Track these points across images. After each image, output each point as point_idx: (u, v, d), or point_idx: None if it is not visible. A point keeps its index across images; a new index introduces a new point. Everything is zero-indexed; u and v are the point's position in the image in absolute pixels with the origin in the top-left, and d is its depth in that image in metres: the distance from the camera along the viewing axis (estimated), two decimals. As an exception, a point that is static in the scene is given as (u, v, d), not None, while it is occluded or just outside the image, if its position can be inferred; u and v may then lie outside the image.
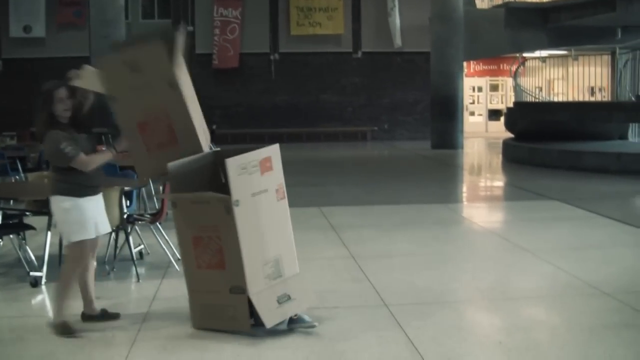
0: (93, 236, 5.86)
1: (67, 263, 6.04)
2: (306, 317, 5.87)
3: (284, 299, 5.74)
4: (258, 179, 5.60)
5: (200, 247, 5.71)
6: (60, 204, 5.73)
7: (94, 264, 6.12)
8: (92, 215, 5.82)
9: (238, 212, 5.40)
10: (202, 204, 5.61)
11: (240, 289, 5.56)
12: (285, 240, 5.90)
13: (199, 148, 5.85)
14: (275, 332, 5.69)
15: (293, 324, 5.81)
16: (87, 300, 6.07)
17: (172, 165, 5.75)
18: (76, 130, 5.81)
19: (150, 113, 5.80)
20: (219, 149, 6.44)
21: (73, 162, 5.61)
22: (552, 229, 10.11)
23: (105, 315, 6.06)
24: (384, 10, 29.39)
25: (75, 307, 6.02)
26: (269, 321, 5.60)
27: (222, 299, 5.72)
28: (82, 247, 5.78)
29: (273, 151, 5.82)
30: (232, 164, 5.41)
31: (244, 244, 5.47)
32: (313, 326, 5.81)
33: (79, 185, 5.74)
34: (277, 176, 5.79)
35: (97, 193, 5.98)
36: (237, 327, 5.69)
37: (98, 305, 6.11)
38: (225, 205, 5.41)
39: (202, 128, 5.99)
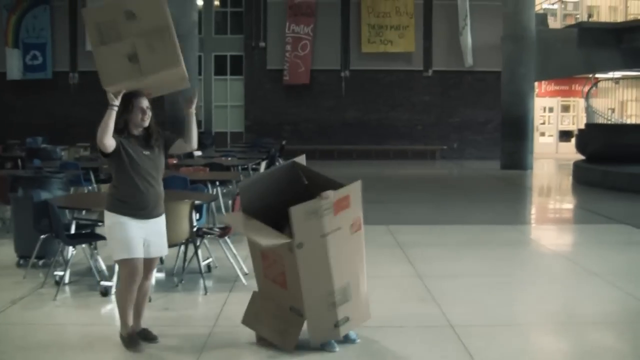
0: (137, 257, 5.59)
1: (119, 281, 6.06)
2: (351, 333, 5.92)
3: (343, 322, 5.71)
4: (330, 219, 5.43)
5: (267, 262, 5.77)
6: (106, 219, 5.66)
7: (147, 284, 5.89)
8: (138, 235, 5.56)
9: (301, 253, 5.35)
10: (268, 238, 5.45)
11: (298, 312, 5.60)
12: (357, 267, 5.81)
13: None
14: (332, 347, 5.72)
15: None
16: (133, 316, 5.87)
17: (242, 183, 5.95)
18: (148, 146, 5.63)
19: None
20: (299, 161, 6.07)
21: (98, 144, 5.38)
22: (623, 253, 9.95)
23: (145, 336, 5.87)
24: (456, 29, 29.30)
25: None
26: (316, 341, 5.68)
27: (280, 311, 5.76)
28: (126, 267, 5.61)
29: (353, 190, 5.63)
30: (298, 211, 5.28)
31: (305, 281, 5.45)
32: (353, 341, 5.89)
33: (125, 203, 5.54)
34: (353, 212, 5.64)
35: (152, 217, 5.68)
36: (282, 344, 5.71)
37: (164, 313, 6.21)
38: (288, 246, 5.36)
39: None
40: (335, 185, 5.58)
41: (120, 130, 5.50)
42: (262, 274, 5.89)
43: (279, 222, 5.52)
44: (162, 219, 5.83)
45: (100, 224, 8.17)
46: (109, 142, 5.34)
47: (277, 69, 29.33)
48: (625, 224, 12.43)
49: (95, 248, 8.05)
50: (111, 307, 7.06)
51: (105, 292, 7.27)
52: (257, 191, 5.84)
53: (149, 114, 5.61)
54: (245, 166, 15.24)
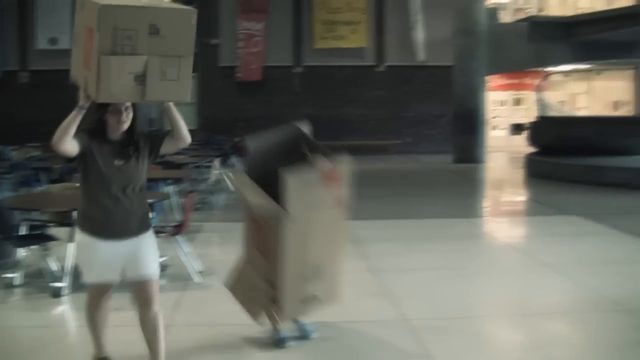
0: (100, 281, 4.92)
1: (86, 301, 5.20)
2: (308, 327, 5.94)
3: (311, 299, 5.72)
4: (320, 193, 5.53)
5: (255, 228, 5.78)
6: (76, 236, 4.96)
7: (150, 315, 5.01)
8: (103, 258, 4.78)
9: (289, 223, 5.37)
10: (262, 201, 5.48)
11: (272, 284, 5.60)
12: (336, 246, 5.85)
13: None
14: (286, 343, 5.72)
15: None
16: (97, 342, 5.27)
17: (250, 139, 5.90)
18: (123, 154, 4.79)
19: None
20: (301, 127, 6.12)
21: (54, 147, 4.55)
22: (574, 244, 10.08)
23: None
24: (407, 23, 29.42)
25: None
26: (285, 315, 5.71)
27: (256, 281, 5.78)
28: (88, 290, 5.04)
29: (345, 166, 5.73)
30: (292, 180, 5.30)
31: (286, 252, 5.45)
32: (308, 335, 5.96)
33: (89, 220, 4.78)
34: (342, 189, 5.71)
35: (122, 238, 4.79)
36: (249, 312, 5.81)
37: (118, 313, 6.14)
38: (277, 214, 5.37)
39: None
40: (332, 158, 5.65)
41: (96, 133, 4.72)
42: (252, 243, 5.86)
43: (277, 189, 5.43)
44: (139, 240, 4.88)
45: (51, 224, 8.11)
46: (66, 147, 4.49)
47: (230, 65, 29.23)
48: (576, 214, 12.57)
49: (47, 249, 7.96)
50: (63, 308, 6.99)
51: (57, 294, 7.18)
52: (260, 156, 5.84)
53: (129, 115, 4.77)
54: (198, 164, 15.15)
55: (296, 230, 5.42)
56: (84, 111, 4.49)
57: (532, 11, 29.74)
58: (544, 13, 29.60)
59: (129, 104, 4.72)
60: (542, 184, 18.04)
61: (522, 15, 29.42)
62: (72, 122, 4.47)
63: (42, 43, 28.58)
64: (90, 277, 4.89)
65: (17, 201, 8.42)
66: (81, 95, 4.49)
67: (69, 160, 4.65)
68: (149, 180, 10.03)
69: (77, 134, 4.55)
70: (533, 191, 17.68)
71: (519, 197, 17.27)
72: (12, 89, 28.89)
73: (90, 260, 4.83)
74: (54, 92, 28.16)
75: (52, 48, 28.47)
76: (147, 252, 4.93)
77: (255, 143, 5.91)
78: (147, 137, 4.98)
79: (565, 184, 17.00)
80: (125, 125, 4.74)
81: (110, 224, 4.73)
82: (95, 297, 5.05)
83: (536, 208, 14.88)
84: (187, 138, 4.99)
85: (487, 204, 16.49)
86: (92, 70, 4.29)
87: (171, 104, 4.75)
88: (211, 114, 29.42)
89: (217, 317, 6.59)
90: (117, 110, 4.69)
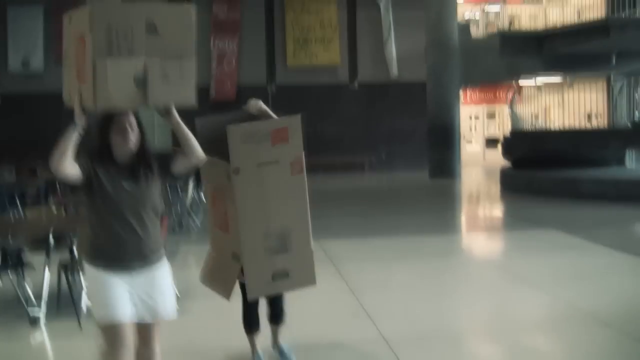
0: (119, 320, 4.27)
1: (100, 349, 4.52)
2: (285, 349, 5.92)
3: (280, 276, 5.50)
4: (267, 149, 5.32)
5: (215, 205, 5.69)
6: (85, 268, 4.47)
7: (148, 354, 4.62)
8: (118, 293, 4.27)
9: (238, 180, 5.20)
10: (213, 165, 5.33)
11: (238, 258, 5.43)
12: (297, 215, 5.64)
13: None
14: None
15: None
16: None
17: (199, 120, 5.76)
18: (132, 176, 4.37)
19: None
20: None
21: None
22: (550, 258, 10.12)
23: None
24: (380, 40, 29.54)
25: None
26: (253, 293, 5.50)
27: (223, 259, 5.66)
28: (105, 332, 4.34)
29: (291, 122, 5.54)
30: (235, 131, 5.21)
31: (242, 213, 5.28)
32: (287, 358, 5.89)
33: (99, 251, 4.33)
34: (293, 149, 5.50)
35: (136, 269, 4.34)
36: (221, 292, 5.64)
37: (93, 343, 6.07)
38: (226, 171, 5.22)
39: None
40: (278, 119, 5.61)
41: (101, 154, 4.33)
42: (212, 223, 5.80)
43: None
44: (155, 272, 4.43)
45: (26, 250, 8.04)
46: (67, 171, 4.07)
47: (203, 86, 29.19)
48: (551, 228, 12.63)
49: (23, 275, 7.90)
50: (40, 335, 6.93)
51: (33, 321, 7.11)
52: (210, 128, 5.75)
53: (135, 132, 4.37)
54: (174, 185, 15.10)
55: (246, 183, 5.26)
56: (80, 128, 4.09)
57: (503, 26, 29.95)
58: (515, 27, 29.82)
59: (132, 119, 4.34)
60: (518, 197, 18.13)
61: (493, 30, 29.63)
62: (68, 141, 4.03)
63: (14, 66, 28.43)
64: (103, 315, 4.27)
65: (-9, 228, 8.34)
66: (76, 111, 4.09)
67: (73, 186, 4.26)
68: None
69: (79, 157, 4.17)
70: (508, 205, 17.77)
71: (495, 211, 17.35)
72: (-15, 112, 28.71)
73: (103, 296, 4.28)
74: (27, 115, 28.05)
75: (24, 71, 28.33)
76: (163, 287, 4.47)
77: (204, 122, 5.83)
78: (157, 155, 4.52)
79: (540, 197, 17.10)
80: (133, 144, 4.33)
81: (122, 253, 4.29)
82: (112, 344, 4.31)
83: (512, 222, 14.95)
84: (200, 152, 4.54)
85: (463, 219, 16.54)
86: (87, 80, 4.00)
87: (176, 116, 4.39)
88: (186, 134, 29.32)
89: (196, 342, 6.55)
90: (122, 129, 4.30)
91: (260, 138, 5.31)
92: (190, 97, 4.31)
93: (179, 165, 4.54)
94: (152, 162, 4.44)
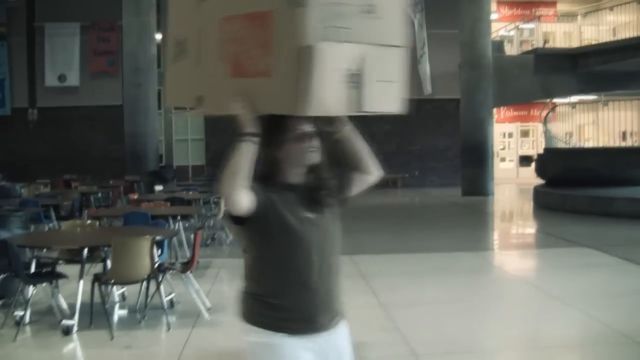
0: None
1: None
2: None
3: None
4: None
5: None
6: (245, 334, 3.22)
7: None
8: None
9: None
10: None
11: None
12: None
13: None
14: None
15: None
16: None
17: None
18: (313, 202, 3.22)
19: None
20: None
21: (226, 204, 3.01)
22: (584, 276, 10.04)
23: None
24: (414, 57, 29.53)
25: None
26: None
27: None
28: None
29: None
30: None
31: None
32: None
33: (277, 310, 3.13)
34: None
35: (325, 329, 3.25)
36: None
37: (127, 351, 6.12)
38: None
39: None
40: None
41: (266, 176, 3.13)
42: None
43: None
44: (342, 332, 3.42)
45: (61, 262, 8.13)
46: (242, 201, 2.97)
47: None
48: (585, 246, 12.54)
49: (57, 286, 7.98)
50: (73, 345, 6.99)
51: (67, 331, 7.17)
52: None
53: (316, 144, 3.22)
54: (207, 199, 15.19)
55: None
56: (255, 139, 3.00)
57: (537, 43, 29.82)
58: (549, 45, 29.68)
59: (313, 127, 3.22)
60: (551, 215, 18.02)
61: (527, 47, 29.52)
62: (243, 160, 2.96)
63: (50, 80, 28.79)
64: None
65: (26, 239, 8.43)
66: (243, 118, 2.99)
67: (237, 220, 3.06)
68: (157, 217, 10.11)
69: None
70: (542, 223, 17.67)
71: (528, 229, 17.25)
72: (21, 126, 29.07)
73: None
74: (62, 129, 28.40)
75: (61, 85, 28.68)
76: (349, 350, 3.45)
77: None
78: (333, 174, 3.36)
79: (574, 216, 16.97)
80: (315, 156, 3.20)
81: (306, 309, 3.17)
82: None
83: (545, 240, 14.85)
84: (378, 169, 3.56)
85: (495, 237, 16.47)
86: (274, 72, 2.90)
87: (351, 131, 3.42)
88: (219, 149, 29.47)
89: (227, 354, 6.57)
90: (303, 135, 3.16)
91: None
92: (402, 103, 3.32)
93: (357, 186, 3.50)
94: (332, 183, 3.32)
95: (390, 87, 3.18)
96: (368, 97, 3.05)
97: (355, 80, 2.97)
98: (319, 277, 3.19)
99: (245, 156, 2.96)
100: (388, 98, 3.20)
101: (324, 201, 3.25)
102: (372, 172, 3.52)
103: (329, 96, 2.89)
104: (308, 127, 3.17)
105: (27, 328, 7.50)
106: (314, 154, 3.18)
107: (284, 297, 3.13)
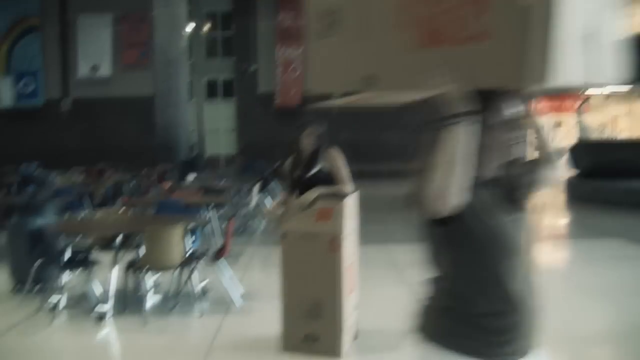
0: None
1: None
2: None
3: (310, 338, 5.92)
4: (312, 223, 5.86)
5: None
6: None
7: None
8: None
9: (284, 244, 5.89)
10: None
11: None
12: (332, 290, 5.91)
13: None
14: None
15: None
16: None
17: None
18: (511, 201, 2.78)
19: None
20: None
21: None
22: (616, 268, 9.98)
23: None
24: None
25: None
26: (286, 347, 6.00)
27: None
28: None
29: (338, 206, 5.90)
30: (289, 204, 6.05)
31: (284, 275, 5.94)
32: None
33: (491, 332, 2.58)
34: (333, 228, 5.85)
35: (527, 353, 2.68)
36: None
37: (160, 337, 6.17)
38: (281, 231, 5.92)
39: None
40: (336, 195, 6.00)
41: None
42: None
43: None
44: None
45: (95, 249, 8.22)
46: (453, 200, 2.40)
47: (269, 91, 29.42)
48: (618, 238, 12.46)
49: (91, 273, 8.07)
50: (106, 331, 7.06)
51: (100, 317, 7.25)
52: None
53: (523, 133, 2.74)
54: (239, 189, 15.26)
55: (290, 247, 5.90)
56: (474, 123, 2.40)
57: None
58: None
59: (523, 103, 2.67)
60: (583, 207, 17.90)
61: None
62: (459, 147, 2.37)
63: (83, 71, 29.00)
64: None
65: (61, 226, 8.52)
66: (451, 95, 2.35)
67: (440, 222, 2.52)
68: (190, 205, 10.16)
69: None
70: (574, 214, 17.56)
71: (560, 220, 17.15)
72: (55, 116, 29.35)
73: None
74: (94, 119, 28.62)
75: (93, 76, 28.88)
76: None
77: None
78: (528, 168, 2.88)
79: (607, 208, 16.84)
80: (522, 149, 2.73)
81: (519, 327, 2.62)
82: None
83: (577, 231, 14.76)
84: (561, 163, 2.96)
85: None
86: (496, 34, 2.27)
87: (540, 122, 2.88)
88: (250, 139, 29.60)
89: (259, 341, 6.60)
90: (513, 121, 2.62)
91: (309, 212, 5.85)
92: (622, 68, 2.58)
93: (545, 183, 3.02)
94: (531, 178, 2.90)
95: (616, 51, 2.54)
96: (603, 63, 2.46)
97: (592, 42, 2.36)
98: (529, 290, 2.67)
99: (462, 142, 2.35)
100: (615, 65, 2.54)
101: (525, 201, 2.84)
102: (557, 165, 2.94)
103: (567, 63, 2.26)
104: (520, 109, 2.62)
105: (63, 313, 7.60)
106: (520, 145, 2.67)
107: (496, 317, 2.56)
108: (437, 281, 2.72)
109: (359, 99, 2.88)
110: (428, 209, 2.44)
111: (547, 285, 8.44)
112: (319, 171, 6.18)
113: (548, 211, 19.10)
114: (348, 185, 6.31)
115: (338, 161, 6.28)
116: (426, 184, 2.39)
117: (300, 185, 6.14)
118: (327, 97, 3.03)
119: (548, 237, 14.66)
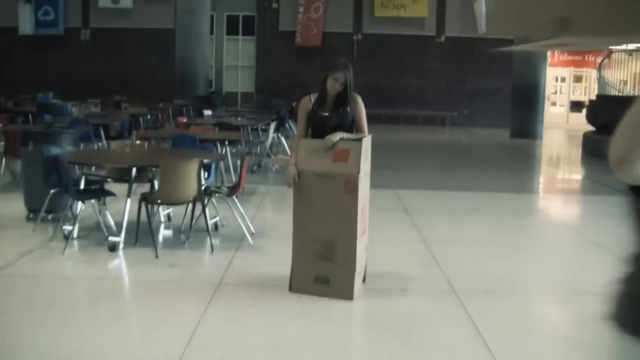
0: None
1: None
2: None
3: (321, 279, 5.97)
4: (328, 164, 5.86)
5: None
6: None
7: None
8: None
9: (297, 184, 5.93)
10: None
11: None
12: (346, 231, 5.93)
13: None
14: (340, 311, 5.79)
15: None
16: None
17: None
18: None
19: None
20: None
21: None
22: (628, 224, 9.95)
23: None
24: (470, -5, 29.10)
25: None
26: (295, 289, 6.06)
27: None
28: None
29: (354, 147, 5.90)
30: (305, 143, 6.05)
31: (296, 215, 6.01)
32: None
33: None
34: (350, 169, 5.84)
35: None
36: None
37: (171, 270, 6.23)
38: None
39: None
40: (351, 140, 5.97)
41: None
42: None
43: None
44: None
45: (109, 180, 8.27)
46: (637, 169, 2.09)
47: (290, 30, 29.24)
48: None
49: (104, 204, 8.13)
50: (118, 262, 7.13)
51: (112, 247, 7.32)
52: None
53: None
54: (255, 127, 15.27)
55: (304, 188, 5.93)
56: None
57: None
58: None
59: None
60: (599, 163, 17.80)
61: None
62: None
63: (104, 1, 28.83)
64: None
65: (76, 156, 8.56)
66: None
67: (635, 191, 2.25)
68: (205, 140, 10.19)
69: None
70: (589, 170, 17.52)
71: (575, 175, 17.12)
72: (74, 46, 29.28)
73: None
74: (114, 50, 28.54)
75: (114, 7, 28.71)
76: None
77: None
78: None
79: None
80: None
81: None
82: None
83: (591, 187, 14.74)
84: None
85: (541, 181, 16.37)
86: None
87: None
88: (269, 77, 29.51)
89: (268, 278, 6.66)
90: None
91: (325, 153, 5.87)
92: None
93: None
94: None
95: None
96: None
97: None
98: None
99: None
100: None
101: None
102: None
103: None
104: None
105: (75, 242, 7.67)
106: None
107: None
108: (637, 261, 2.30)
109: (546, 45, 2.34)
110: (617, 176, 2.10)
111: (556, 238, 8.53)
112: (344, 114, 6.14)
113: (563, 164, 19.06)
114: (367, 133, 6.29)
115: (362, 108, 6.26)
116: (611, 148, 2.10)
117: (321, 125, 6.10)
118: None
119: (561, 191, 14.65)
